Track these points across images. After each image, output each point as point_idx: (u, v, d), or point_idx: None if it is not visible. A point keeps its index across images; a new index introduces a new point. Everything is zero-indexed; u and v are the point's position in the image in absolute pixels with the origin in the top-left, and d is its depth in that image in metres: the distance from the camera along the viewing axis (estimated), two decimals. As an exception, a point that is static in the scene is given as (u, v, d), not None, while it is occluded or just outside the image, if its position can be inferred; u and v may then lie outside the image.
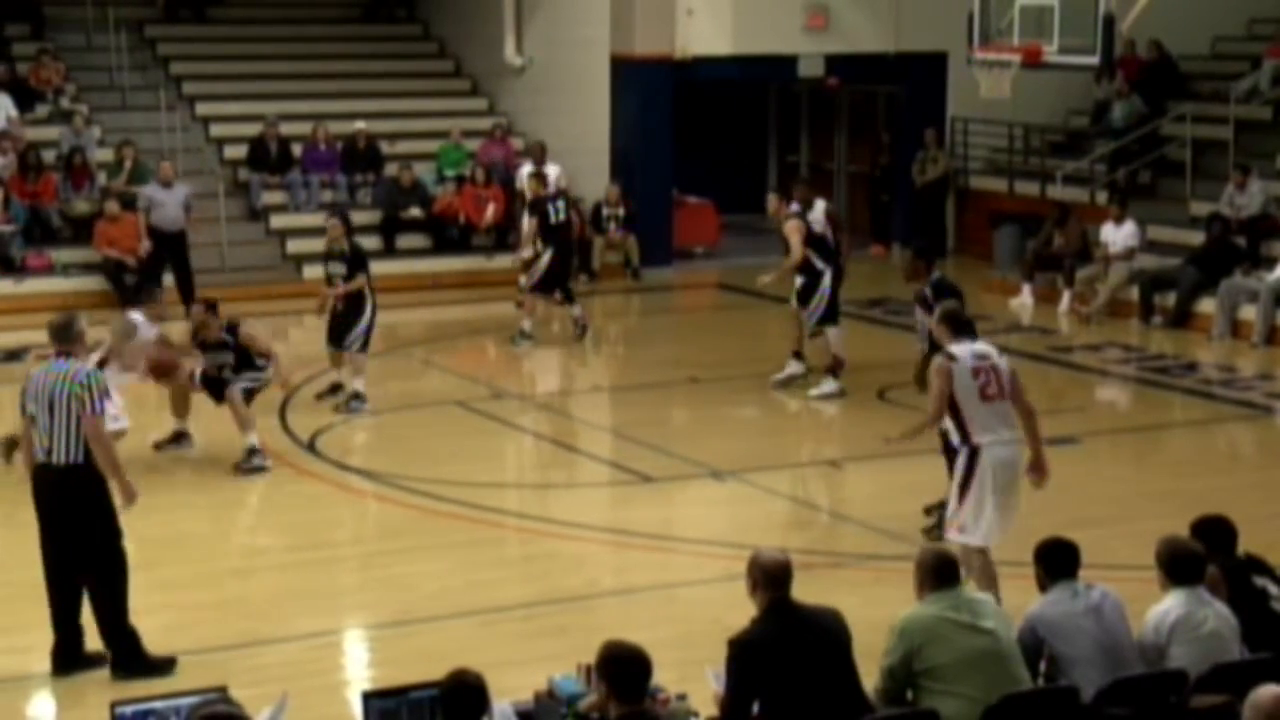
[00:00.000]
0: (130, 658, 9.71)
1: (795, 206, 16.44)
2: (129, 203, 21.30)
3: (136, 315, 15.00)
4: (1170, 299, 20.22)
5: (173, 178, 20.80)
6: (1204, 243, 20.47)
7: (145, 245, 20.44)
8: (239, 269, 21.93)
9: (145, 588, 11.10)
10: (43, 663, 10.09)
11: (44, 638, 10.41)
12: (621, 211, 23.29)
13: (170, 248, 20.53)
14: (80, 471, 9.55)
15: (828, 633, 7.34)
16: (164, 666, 9.65)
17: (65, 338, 9.72)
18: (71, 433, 9.48)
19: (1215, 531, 8.33)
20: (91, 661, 9.81)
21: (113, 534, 9.69)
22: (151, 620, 10.46)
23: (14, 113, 22.65)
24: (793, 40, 24.13)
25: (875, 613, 7.58)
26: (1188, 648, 7.61)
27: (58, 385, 9.51)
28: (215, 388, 14.48)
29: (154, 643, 10.00)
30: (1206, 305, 19.85)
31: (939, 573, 7.63)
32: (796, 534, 12.31)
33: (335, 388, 16.35)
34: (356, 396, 15.95)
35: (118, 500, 9.68)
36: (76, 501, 9.62)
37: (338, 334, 16.19)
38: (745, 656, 7.22)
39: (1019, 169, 24.25)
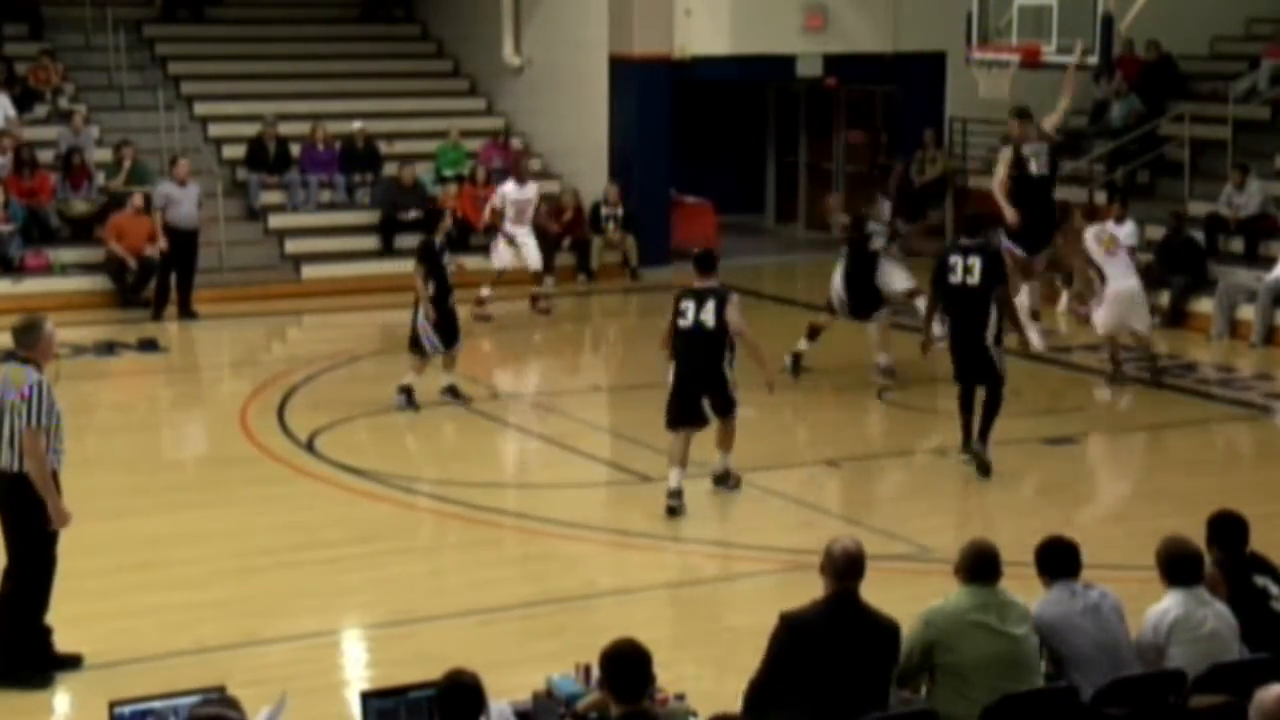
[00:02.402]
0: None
1: None
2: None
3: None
4: (1164, 298, 20.26)
5: (187, 176, 20.87)
6: (1162, 239, 20.71)
7: (162, 243, 20.45)
8: (237, 269, 21.93)
9: (146, 588, 11.16)
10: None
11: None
12: (620, 211, 23.29)
13: (185, 245, 20.60)
14: (19, 481, 9.40)
15: (878, 636, 7.37)
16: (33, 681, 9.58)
17: (26, 342, 9.50)
18: (12, 442, 9.35)
19: (1226, 527, 8.31)
20: (63, 662, 9.73)
21: (33, 547, 9.51)
22: (152, 620, 10.49)
23: (12, 112, 22.66)
24: (791, 40, 24.14)
25: (874, 612, 7.57)
26: (1187, 648, 7.61)
27: (8, 392, 9.37)
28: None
29: (154, 642, 10.03)
30: (1204, 305, 19.87)
31: (977, 568, 7.61)
32: (796, 534, 12.29)
33: (453, 390, 16.17)
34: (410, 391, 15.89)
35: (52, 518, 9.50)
36: (10, 508, 9.52)
37: (456, 331, 15.99)
38: (789, 633, 7.28)
39: (1017, 169, 24.21)
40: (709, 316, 12.59)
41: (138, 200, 21.10)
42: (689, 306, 12.73)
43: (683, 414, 12.73)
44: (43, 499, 9.42)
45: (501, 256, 20.83)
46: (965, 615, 7.49)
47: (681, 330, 12.68)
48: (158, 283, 20.57)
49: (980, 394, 13.80)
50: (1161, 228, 21.54)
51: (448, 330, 15.77)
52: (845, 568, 7.40)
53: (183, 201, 20.61)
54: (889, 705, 7.36)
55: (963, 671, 7.39)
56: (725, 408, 12.80)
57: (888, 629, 7.44)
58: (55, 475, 9.52)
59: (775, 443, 14.93)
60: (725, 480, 13.33)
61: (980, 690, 7.30)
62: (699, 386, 12.66)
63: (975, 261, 13.66)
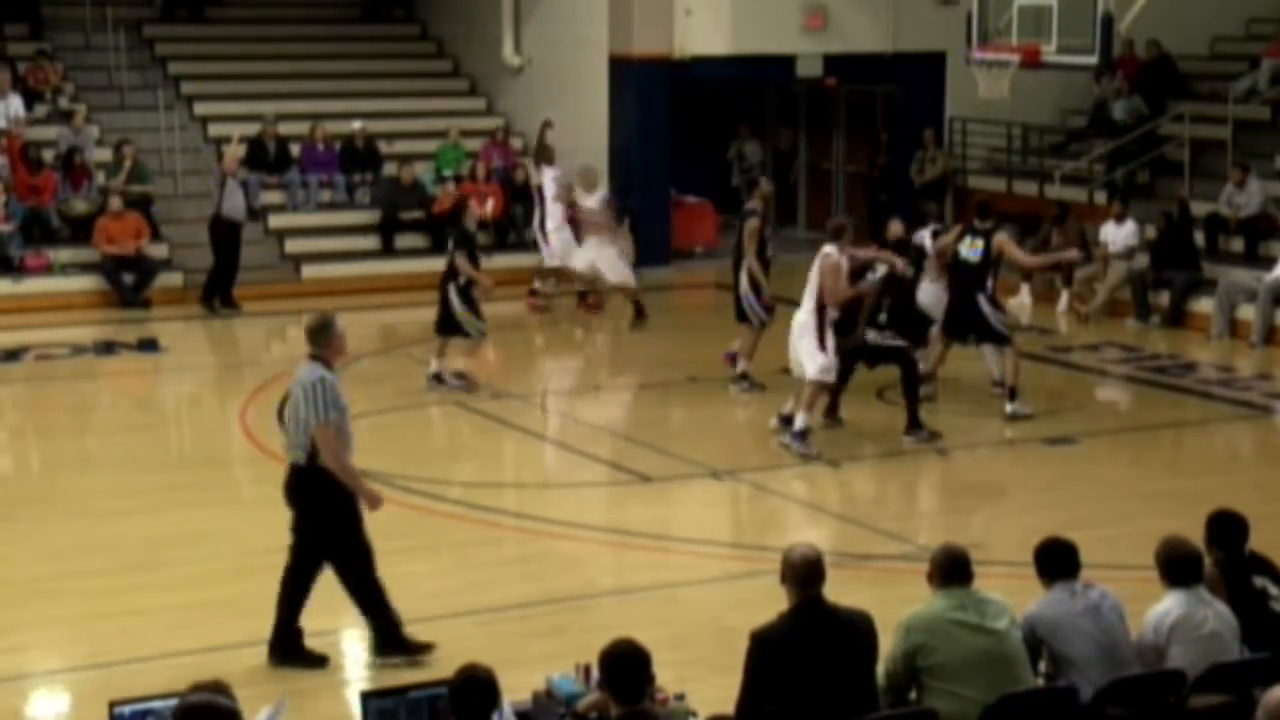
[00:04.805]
0: (385, 638, 9.81)
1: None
2: (133, 201, 21.45)
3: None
4: (1165, 297, 20.28)
5: (238, 168, 21.20)
6: (1155, 238, 20.74)
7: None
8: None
9: (146, 588, 11.16)
10: (42, 662, 10.11)
11: (43, 637, 10.45)
12: None
13: (234, 237, 20.81)
14: (304, 472, 9.62)
15: (853, 636, 7.31)
16: (420, 649, 9.77)
17: (316, 340, 9.87)
18: (300, 434, 9.60)
19: (1226, 527, 8.32)
20: (311, 660, 9.80)
21: (337, 533, 9.70)
22: (152, 620, 10.49)
23: (22, 112, 22.68)
24: (791, 40, 24.13)
25: (874, 612, 7.55)
26: (1188, 648, 7.60)
27: (296, 387, 9.70)
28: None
29: (154, 642, 10.02)
30: (1204, 305, 19.88)
31: (949, 570, 7.62)
32: (795, 534, 12.30)
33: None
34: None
35: (363, 504, 9.71)
36: (302, 501, 9.72)
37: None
38: (763, 651, 7.21)
39: (1017, 169, 24.25)
40: None
41: (116, 204, 21.15)
42: None
43: None
44: (349, 490, 9.62)
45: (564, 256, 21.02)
46: (944, 615, 7.48)
47: None
48: (212, 274, 20.81)
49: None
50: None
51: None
52: (806, 575, 7.32)
53: (238, 194, 20.77)
54: (878, 701, 7.35)
55: (950, 672, 7.37)
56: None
57: (861, 624, 7.37)
58: None
59: (774, 442, 14.92)
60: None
61: (971, 688, 7.30)
62: None
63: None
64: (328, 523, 9.71)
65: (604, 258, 20.38)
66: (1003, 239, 15.54)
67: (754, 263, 16.46)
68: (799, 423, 14.38)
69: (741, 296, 16.56)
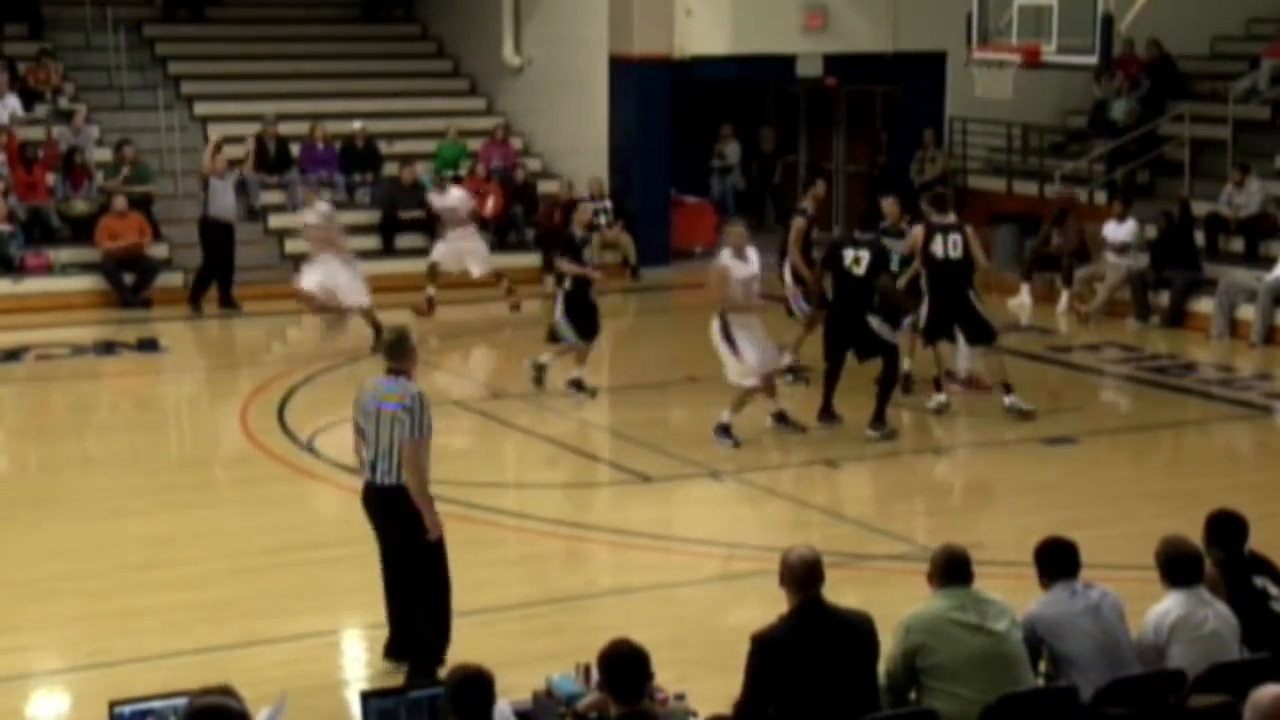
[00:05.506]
0: (420, 664, 9.51)
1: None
2: (134, 201, 21.46)
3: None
4: (1165, 297, 20.28)
5: (225, 168, 21.17)
6: (1156, 237, 20.75)
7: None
8: (237, 268, 21.88)
9: (146, 587, 11.16)
10: (42, 662, 10.11)
11: (43, 637, 10.45)
12: (608, 204, 23.26)
13: (225, 238, 20.79)
14: (401, 492, 9.42)
15: (853, 637, 7.31)
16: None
17: (396, 354, 9.60)
18: (394, 453, 9.37)
19: (1226, 527, 8.31)
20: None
21: (432, 550, 9.50)
22: (152, 620, 10.49)
23: (20, 111, 22.67)
24: (791, 40, 24.13)
25: (874, 612, 7.56)
26: (1188, 648, 7.61)
27: (384, 404, 9.44)
28: None
29: (154, 642, 10.03)
30: (1204, 305, 19.88)
31: (949, 570, 7.62)
32: (795, 534, 12.29)
33: (578, 383, 16.69)
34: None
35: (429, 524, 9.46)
36: (398, 520, 9.51)
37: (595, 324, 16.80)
38: (764, 653, 7.21)
39: (1017, 169, 24.26)
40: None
41: (120, 203, 21.16)
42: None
43: None
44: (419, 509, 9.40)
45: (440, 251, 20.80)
46: (944, 615, 7.47)
47: None
48: (199, 275, 20.80)
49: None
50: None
51: (585, 323, 16.42)
52: (805, 577, 7.32)
53: (226, 194, 20.74)
54: (879, 702, 7.34)
55: (949, 672, 7.36)
56: None
57: (861, 625, 7.37)
58: None
59: (774, 443, 14.93)
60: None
61: (970, 689, 7.29)
62: None
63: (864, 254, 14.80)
64: (421, 544, 9.49)
65: (334, 276, 18.61)
66: (971, 231, 15.56)
67: (798, 259, 16.46)
68: (724, 417, 14.62)
69: (786, 288, 16.64)
